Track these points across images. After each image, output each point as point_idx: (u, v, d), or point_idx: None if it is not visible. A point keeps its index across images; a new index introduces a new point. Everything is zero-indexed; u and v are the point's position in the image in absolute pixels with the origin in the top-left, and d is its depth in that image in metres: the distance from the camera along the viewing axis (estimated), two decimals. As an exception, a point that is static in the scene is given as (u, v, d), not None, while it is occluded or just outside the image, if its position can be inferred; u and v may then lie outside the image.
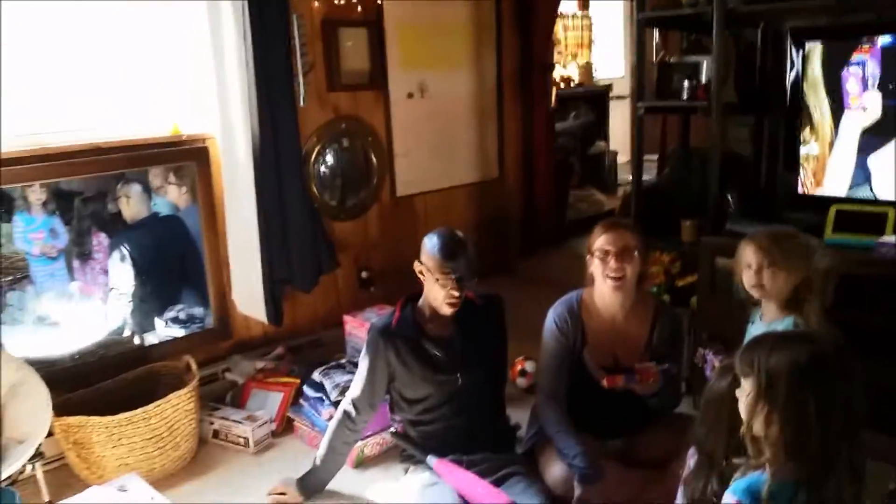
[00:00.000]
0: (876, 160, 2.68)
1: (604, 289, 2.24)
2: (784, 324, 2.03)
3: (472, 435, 2.25)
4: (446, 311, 2.20)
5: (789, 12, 2.89)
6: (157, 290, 3.25)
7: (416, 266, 2.24)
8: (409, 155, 3.79)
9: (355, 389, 2.34)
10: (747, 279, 2.08)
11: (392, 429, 2.50)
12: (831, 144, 2.78)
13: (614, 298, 2.24)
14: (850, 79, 2.69)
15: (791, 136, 2.89)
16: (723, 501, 1.42)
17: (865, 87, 2.66)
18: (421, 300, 2.30)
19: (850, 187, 2.75)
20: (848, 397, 1.36)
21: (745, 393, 1.45)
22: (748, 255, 2.07)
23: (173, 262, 3.32)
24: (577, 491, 2.05)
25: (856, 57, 2.65)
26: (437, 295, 2.19)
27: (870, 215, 2.55)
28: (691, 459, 1.82)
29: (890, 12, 2.62)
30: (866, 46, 2.62)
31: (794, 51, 2.81)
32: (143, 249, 3.23)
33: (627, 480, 2.16)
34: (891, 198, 2.63)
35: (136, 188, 3.16)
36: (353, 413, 2.31)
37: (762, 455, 1.42)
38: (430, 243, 2.20)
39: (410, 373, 2.25)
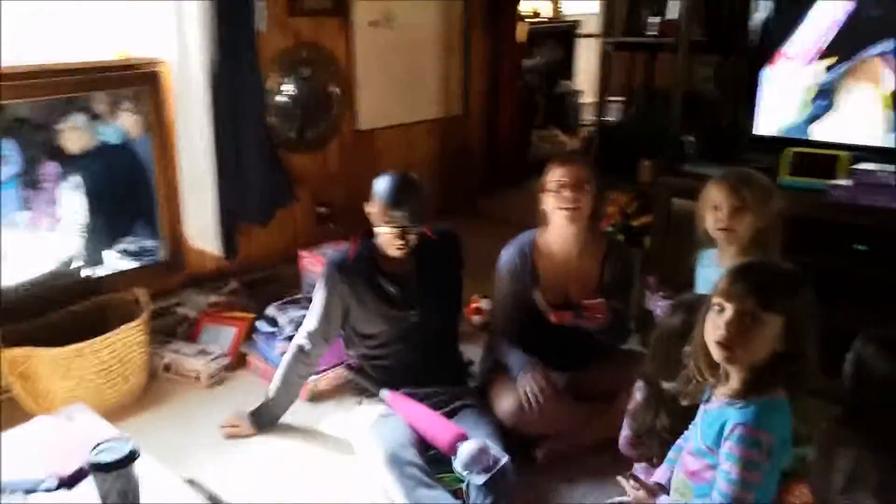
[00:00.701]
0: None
1: (557, 222, 2.23)
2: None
3: (425, 369, 2.26)
4: (394, 253, 2.20)
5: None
6: (107, 221, 3.18)
7: (366, 207, 2.22)
8: (371, 87, 3.68)
9: (310, 323, 2.32)
10: (714, 221, 2.06)
11: (346, 363, 2.50)
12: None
13: (567, 232, 2.24)
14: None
15: (753, 77, 2.86)
16: (752, 440, 1.39)
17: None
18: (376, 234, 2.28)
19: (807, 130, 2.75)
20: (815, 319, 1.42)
21: (724, 317, 1.42)
22: (717, 197, 2.05)
23: (124, 193, 3.22)
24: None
25: None
26: (384, 240, 2.19)
27: (823, 158, 2.57)
28: (638, 393, 1.85)
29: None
30: None
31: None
32: (94, 179, 3.14)
33: (574, 412, 2.22)
34: (843, 140, 2.64)
35: (80, 118, 3.04)
36: (308, 346, 2.30)
37: (726, 382, 1.45)
38: (379, 188, 2.17)
39: (365, 308, 2.24)
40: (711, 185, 2.08)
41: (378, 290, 2.23)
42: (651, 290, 2.22)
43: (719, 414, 1.45)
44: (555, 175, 2.22)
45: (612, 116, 3.74)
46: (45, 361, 2.45)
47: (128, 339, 2.61)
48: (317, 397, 2.65)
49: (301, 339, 2.33)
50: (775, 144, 2.75)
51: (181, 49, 2.85)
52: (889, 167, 2.40)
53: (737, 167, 2.16)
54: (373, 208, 2.18)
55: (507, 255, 2.35)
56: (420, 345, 2.27)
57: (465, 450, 1.90)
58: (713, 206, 2.06)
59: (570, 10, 6.35)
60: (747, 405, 1.42)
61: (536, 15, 5.76)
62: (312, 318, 2.31)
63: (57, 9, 2.76)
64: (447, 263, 2.35)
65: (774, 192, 2.04)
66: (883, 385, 1.58)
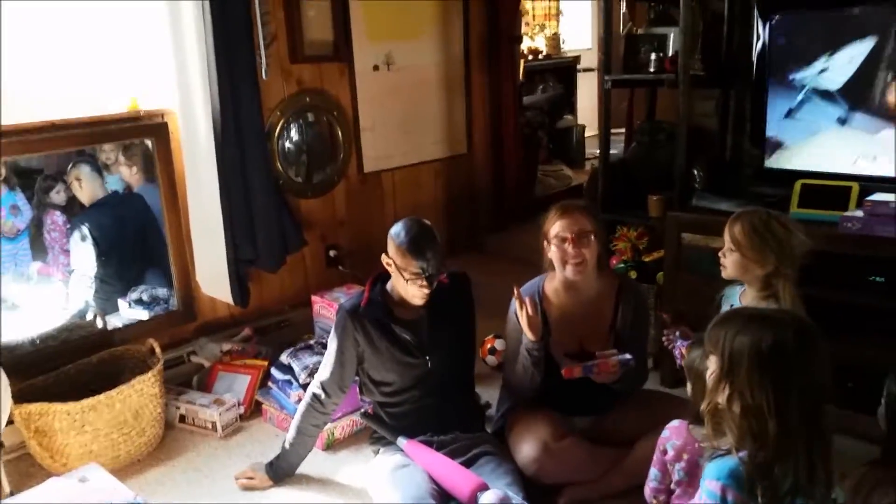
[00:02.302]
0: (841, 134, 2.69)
1: (564, 275, 2.22)
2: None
3: (442, 416, 2.24)
4: (417, 303, 2.18)
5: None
6: (119, 271, 3.20)
7: (384, 259, 2.19)
8: (375, 129, 3.72)
9: (324, 372, 2.31)
10: (719, 255, 2.10)
11: (362, 410, 2.48)
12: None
13: (575, 283, 2.23)
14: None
15: (757, 110, 2.88)
16: (706, 487, 1.41)
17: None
18: (390, 282, 2.27)
19: (816, 162, 2.75)
20: (808, 386, 1.37)
21: (710, 370, 1.46)
22: (724, 237, 2.07)
23: (135, 242, 3.24)
24: None
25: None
26: (407, 290, 2.16)
27: (834, 189, 2.56)
28: (668, 443, 1.81)
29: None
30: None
31: (760, 22, 2.79)
32: (104, 229, 3.17)
33: (596, 458, 2.18)
34: (854, 172, 2.64)
35: (84, 169, 3.08)
36: (323, 396, 2.29)
37: (724, 434, 1.43)
38: (398, 238, 2.14)
39: (379, 355, 2.23)
40: (727, 226, 2.07)
41: (392, 337, 2.21)
42: (667, 329, 2.20)
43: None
44: (556, 228, 2.19)
45: (615, 150, 3.76)
46: (59, 417, 2.45)
47: (142, 391, 2.61)
48: (333, 446, 2.63)
49: (316, 388, 2.31)
50: (785, 177, 2.74)
51: (187, 99, 2.89)
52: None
53: (756, 208, 2.13)
54: (394, 259, 2.15)
55: (517, 303, 2.32)
56: (436, 390, 2.25)
57: (486, 500, 1.87)
58: (729, 248, 2.06)
59: (569, 45, 6.45)
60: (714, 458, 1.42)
61: (536, 52, 5.84)
62: (326, 367, 2.30)
63: (69, 64, 2.80)
64: (459, 306, 2.34)
65: (793, 236, 2.01)
66: None
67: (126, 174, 3.20)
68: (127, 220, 3.23)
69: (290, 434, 2.34)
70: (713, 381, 1.44)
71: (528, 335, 2.13)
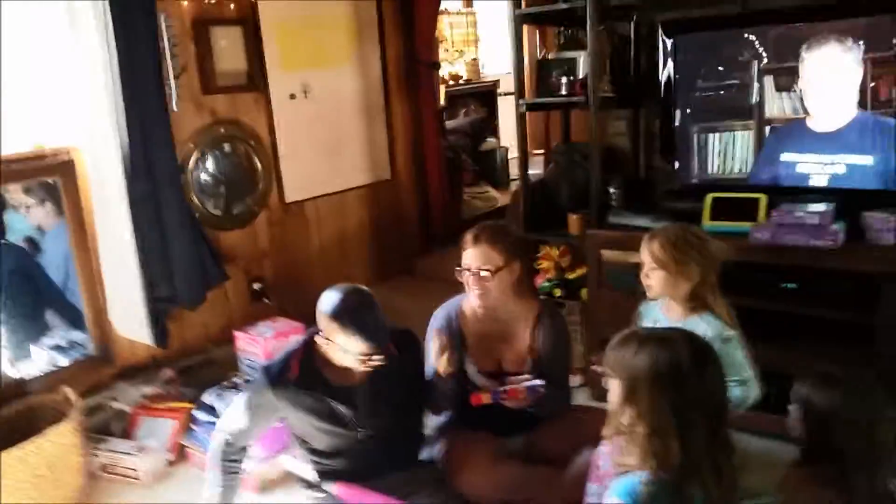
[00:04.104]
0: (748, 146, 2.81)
1: (472, 300, 2.23)
2: (700, 325, 2.03)
3: (377, 466, 2.12)
4: (361, 370, 2.00)
5: (659, 5, 2.98)
6: (26, 317, 3.03)
7: (320, 340, 1.98)
8: (295, 158, 3.67)
9: (234, 422, 2.09)
10: (642, 277, 2.12)
11: (291, 452, 2.37)
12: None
13: (493, 308, 2.24)
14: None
15: (665, 126, 2.98)
16: (605, 502, 1.44)
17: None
18: (321, 344, 2.04)
19: (724, 175, 2.86)
20: (706, 399, 1.41)
21: (610, 393, 1.48)
22: (642, 255, 2.10)
23: (38, 288, 3.09)
24: None
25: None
26: (350, 362, 1.97)
27: (744, 201, 2.67)
28: (601, 459, 1.81)
29: (754, 2, 2.74)
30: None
31: (665, 43, 2.90)
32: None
33: (532, 478, 2.16)
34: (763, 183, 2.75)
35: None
36: (233, 441, 2.10)
37: (630, 455, 1.45)
38: (335, 312, 1.92)
39: (307, 426, 2.06)
40: (642, 245, 2.11)
41: (324, 409, 2.02)
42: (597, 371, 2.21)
43: None
44: (464, 259, 2.18)
45: (536, 170, 3.83)
46: (-34, 477, 2.30)
47: (59, 441, 2.49)
48: (266, 487, 2.54)
49: (226, 435, 2.11)
50: (696, 191, 2.83)
51: (93, 135, 2.79)
52: (806, 206, 2.50)
53: (668, 224, 2.18)
54: (332, 338, 1.94)
55: (435, 322, 2.31)
56: (374, 451, 2.10)
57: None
58: (642, 264, 2.11)
59: (489, 69, 6.57)
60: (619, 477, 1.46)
61: (458, 78, 5.92)
62: (237, 421, 2.08)
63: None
64: (403, 368, 2.14)
65: (709, 244, 2.07)
66: (829, 419, 1.62)
67: (37, 215, 3.07)
68: (27, 265, 3.08)
69: (214, 479, 2.13)
70: (615, 404, 1.46)
71: (441, 368, 2.11)
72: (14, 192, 3.00)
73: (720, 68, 2.79)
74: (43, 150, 2.82)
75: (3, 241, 3.02)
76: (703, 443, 1.39)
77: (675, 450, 1.38)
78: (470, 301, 2.24)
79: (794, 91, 2.65)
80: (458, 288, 2.40)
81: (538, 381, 2.08)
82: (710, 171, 2.88)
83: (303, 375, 2.01)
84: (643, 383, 1.40)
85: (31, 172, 2.83)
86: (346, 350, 1.94)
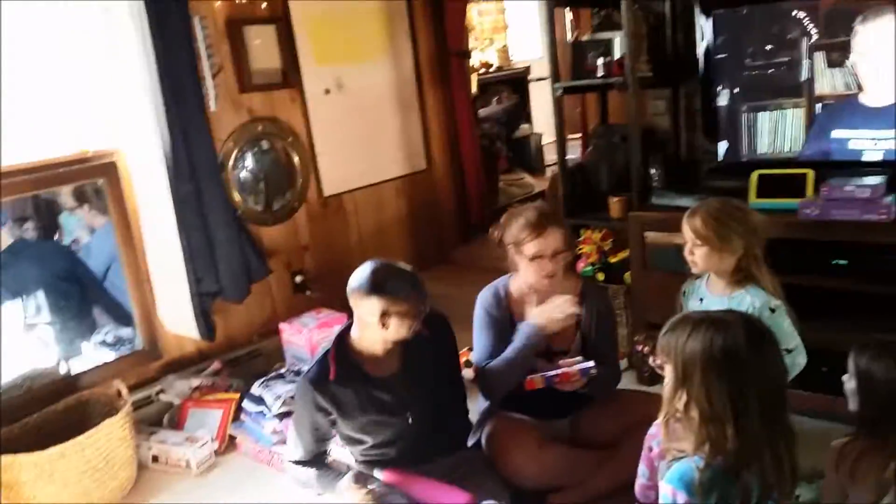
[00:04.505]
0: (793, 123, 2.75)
1: (532, 280, 2.20)
2: (746, 298, 2.03)
3: (424, 453, 2.13)
4: (401, 339, 2.01)
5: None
6: (77, 314, 3.11)
7: (369, 314, 1.95)
8: (331, 152, 3.70)
9: (297, 451, 2.14)
10: (687, 257, 2.10)
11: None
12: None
13: (542, 289, 2.22)
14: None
15: (707, 105, 2.93)
16: (661, 490, 1.43)
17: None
18: (356, 337, 2.06)
19: (773, 154, 2.79)
20: (764, 384, 1.37)
21: (666, 378, 1.45)
22: (684, 232, 2.07)
23: (72, 287, 3.16)
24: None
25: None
26: (389, 339, 1.99)
27: (791, 177, 2.60)
28: (653, 440, 1.80)
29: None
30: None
31: (703, 19, 2.84)
32: (53, 275, 3.10)
33: (579, 462, 2.16)
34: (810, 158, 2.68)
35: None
36: (313, 458, 2.14)
37: (684, 440, 1.43)
38: (390, 285, 1.93)
39: (354, 421, 2.06)
40: (683, 220, 2.09)
41: (367, 399, 2.03)
42: (643, 352, 2.19)
43: None
44: (533, 248, 2.14)
45: (572, 155, 3.79)
46: (27, 468, 2.38)
47: (111, 434, 2.54)
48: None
49: (299, 460, 2.15)
50: (741, 169, 2.77)
51: (136, 137, 2.85)
52: (857, 180, 2.43)
53: (709, 198, 2.14)
54: (367, 310, 1.95)
55: (483, 300, 2.30)
56: (419, 437, 2.11)
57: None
58: (684, 242, 2.08)
59: (520, 56, 6.52)
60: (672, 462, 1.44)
61: (488, 65, 5.90)
62: (299, 446, 2.13)
63: (13, 109, 2.73)
64: (437, 350, 2.15)
65: (750, 215, 2.05)
66: (889, 389, 1.58)
67: (86, 216, 3.15)
68: (44, 264, 3.15)
69: (324, 481, 2.13)
70: (669, 389, 1.44)
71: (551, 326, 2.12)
72: (65, 195, 3.09)
73: (766, 45, 2.72)
74: (87, 153, 2.89)
75: (55, 240, 3.10)
76: (760, 429, 1.36)
77: (730, 435, 1.35)
78: (522, 282, 2.23)
79: (846, 66, 2.57)
80: (495, 274, 2.40)
81: (589, 363, 2.07)
82: (758, 150, 2.82)
83: (341, 373, 2.02)
84: (697, 367, 1.37)
85: (77, 175, 2.90)
86: (387, 324, 1.93)
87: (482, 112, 5.42)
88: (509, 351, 2.17)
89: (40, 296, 3.05)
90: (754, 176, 2.65)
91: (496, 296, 2.29)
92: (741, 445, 1.36)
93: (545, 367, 2.15)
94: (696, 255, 2.06)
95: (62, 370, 2.89)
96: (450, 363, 2.23)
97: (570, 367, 2.07)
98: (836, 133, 2.65)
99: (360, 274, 1.98)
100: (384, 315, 1.93)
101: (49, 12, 2.73)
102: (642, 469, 1.83)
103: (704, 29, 2.84)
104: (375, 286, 1.93)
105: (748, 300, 2.03)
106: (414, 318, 1.97)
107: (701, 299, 2.17)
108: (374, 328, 1.97)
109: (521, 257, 2.18)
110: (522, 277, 2.24)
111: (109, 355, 3.05)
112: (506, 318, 2.26)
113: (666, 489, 1.41)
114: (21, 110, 2.75)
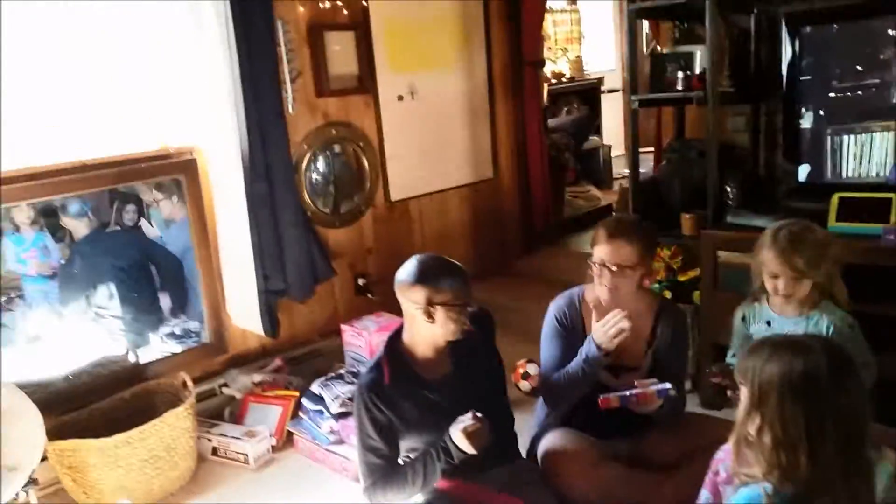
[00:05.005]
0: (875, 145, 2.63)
1: (597, 291, 2.17)
2: (823, 318, 1.98)
3: (481, 461, 2.04)
4: (453, 337, 1.98)
5: (782, -3, 2.84)
6: (148, 306, 3.22)
7: (415, 304, 1.95)
8: (401, 158, 3.73)
9: (373, 471, 2.01)
10: (769, 286, 2.01)
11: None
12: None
13: (616, 300, 2.18)
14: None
15: (789, 124, 2.83)
16: None
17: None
18: (407, 340, 2.06)
19: (860, 179, 2.69)
20: (843, 414, 1.31)
21: (741, 401, 1.40)
22: (769, 263, 1.98)
23: (144, 276, 3.27)
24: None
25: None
26: (437, 330, 1.97)
27: (874, 201, 2.49)
28: (720, 464, 1.74)
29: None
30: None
31: (789, 36, 2.75)
32: (126, 266, 3.22)
33: (635, 482, 2.09)
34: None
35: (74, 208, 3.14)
36: (387, 463, 2.02)
37: (754, 466, 1.38)
38: (433, 274, 1.93)
39: (410, 426, 2.01)
40: (763, 246, 2.00)
41: (423, 403, 2.00)
42: (721, 384, 2.09)
43: None
44: (599, 252, 2.11)
45: (643, 169, 3.72)
46: (92, 452, 2.45)
47: (175, 424, 2.61)
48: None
49: (373, 469, 2.02)
50: (821, 190, 2.67)
51: (215, 135, 2.93)
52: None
53: (788, 221, 2.05)
54: (431, 298, 1.92)
55: (556, 307, 2.26)
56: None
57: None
58: (769, 273, 1.99)
59: (593, 67, 6.45)
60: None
61: (560, 76, 5.85)
62: (373, 463, 2.01)
63: (98, 103, 2.85)
64: (485, 349, 2.13)
65: (833, 239, 1.98)
66: None
67: (167, 209, 3.26)
68: (125, 254, 3.27)
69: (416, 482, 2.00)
70: (743, 411, 1.39)
71: (607, 344, 2.06)
72: (148, 189, 3.21)
73: (855, 64, 2.62)
74: (168, 149, 2.98)
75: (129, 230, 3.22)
76: (835, 458, 1.30)
77: (803, 463, 1.30)
78: (595, 292, 2.19)
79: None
80: (558, 287, 2.36)
81: (667, 385, 2.00)
82: (843, 174, 2.72)
83: (395, 377, 2.00)
84: (774, 390, 1.32)
85: (157, 171, 3.00)
86: (433, 314, 1.92)
87: (552, 122, 5.37)
88: (572, 365, 2.13)
89: (112, 286, 3.16)
90: (835, 199, 2.54)
91: (570, 304, 2.25)
92: (813, 474, 1.30)
93: (612, 382, 2.10)
94: (782, 281, 1.97)
95: (131, 359, 2.99)
96: (492, 360, 2.18)
97: (647, 389, 2.01)
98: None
99: (406, 266, 2.00)
100: (429, 304, 1.93)
101: (137, 9, 2.83)
102: (704, 494, 1.77)
103: (789, 46, 2.74)
104: (419, 275, 1.95)
105: (825, 321, 1.97)
106: (460, 311, 1.95)
107: (768, 322, 2.09)
108: (422, 323, 1.96)
109: (591, 264, 2.15)
110: (595, 287, 2.20)
111: (177, 347, 3.14)
112: (577, 327, 2.22)
113: None
114: (106, 105, 2.85)
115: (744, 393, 1.39)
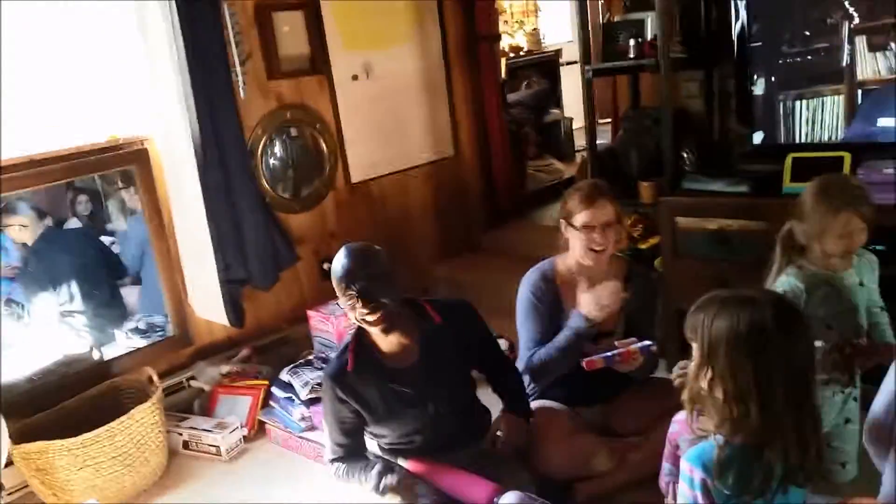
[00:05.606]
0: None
1: (582, 257, 2.18)
2: (864, 258, 1.98)
3: (446, 443, 2.10)
4: (381, 336, 1.97)
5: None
6: (108, 302, 3.16)
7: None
8: (360, 139, 3.69)
9: (336, 449, 2.10)
10: (841, 245, 1.88)
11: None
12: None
13: (591, 267, 2.19)
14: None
15: (741, 89, 2.85)
16: (681, 468, 1.42)
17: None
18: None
19: (805, 134, 2.72)
20: (792, 365, 1.34)
21: (693, 357, 1.42)
22: (850, 222, 1.85)
23: (100, 272, 3.20)
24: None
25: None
26: (365, 325, 1.96)
27: (827, 160, 2.52)
28: (679, 438, 1.74)
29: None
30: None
31: (738, 0, 2.76)
32: (83, 262, 3.15)
33: (607, 451, 2.14)
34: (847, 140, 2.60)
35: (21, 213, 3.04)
36: (349, 453, 2.10)
37: (708, 420, 1.41)
38: (339, 276, 1.92)
39: (375, 413, 2.03)
40: (839, 212, 1.85)
41: (387, 391, 2.02)
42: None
43: None
44: (583, 217, 2.13)
45: (602, 140, 3.74)
46: (60, 453, 2.42)
47: (143, 420, 2.58)
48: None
49: (336, 458, 2.12)
50: (775, 152, 2.70)
51: (166, 124, 2.87)
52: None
53: (833, 177, 2.00)
54: (339, 298, 1.94)
55: (529, 282, 2.26)
56: (439, 427, 2.07)
57: (506, 502, 1.83)
58: (848, 233, 1.86)
59: (550, 39, 6.43)
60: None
61: (518, 49, 5.82)
62: (332, 440, 2.10)
63: (44, 99, 2.77)
64: (458, 337, 2.09)
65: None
66: None
67: (128, 200, 3.19)
68: (77, 251, 3.20)
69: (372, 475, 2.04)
70: (694, 367, 1.41)
71: (596, 315, 2.08)
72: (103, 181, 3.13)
73: (804, 29, 2.63)
74: (117, 139, 2.91)
75: (81, 228, 3.14)
76: (785, 409, 1.33)
77: (753, 414, 1.33)
78: (568, 262, 2.21)
79: (890, 49, 2.48)
80: (525, 261, 2.36)
81: (648, 342, 2.04)
82: (796, 139, 2.74)
83: (359, 365, 2.00)
84: (723, 344, 1.34)
85: (108, 162, 2.93)
86: (348, 305, 1.91)
87: (511, 97, 5.36)
88: (560, 339, 2.14)
89: (73, 284, 3.09)
90: (789, 159, 2.57)
91: (544, 278, 2.25)
92: (764, 425, 1.33)
93: (590, 348, 2.12)
94: (858, 234, 1.86)
95: (95, 356, 2.94)
96: (480, 345, 2.19)
97: (629, 347, 2.04)
98: (878, 118, 2.56)
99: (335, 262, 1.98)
100: (347, 306, 1.92)
101: (78, -1, 2.75)
102: (667, 467, 1.80)
103: (741, 11, 2.76)
104: (334, 277, 1.94)
105: (864, 256, 1.98)
106: (371, 310, 1.89)
107: (861, 283, 1.98)
108: (349, 313, 1.94)
109: (572, 231, 2.16)
110: (572, 254, 2.21)
111: (142, 342, 3.09)
112: (554, 300, 2.23)
113: (685, 467, 1.41)
114: (51, 98, 2.77)
115: (695, 348, 1.41)
